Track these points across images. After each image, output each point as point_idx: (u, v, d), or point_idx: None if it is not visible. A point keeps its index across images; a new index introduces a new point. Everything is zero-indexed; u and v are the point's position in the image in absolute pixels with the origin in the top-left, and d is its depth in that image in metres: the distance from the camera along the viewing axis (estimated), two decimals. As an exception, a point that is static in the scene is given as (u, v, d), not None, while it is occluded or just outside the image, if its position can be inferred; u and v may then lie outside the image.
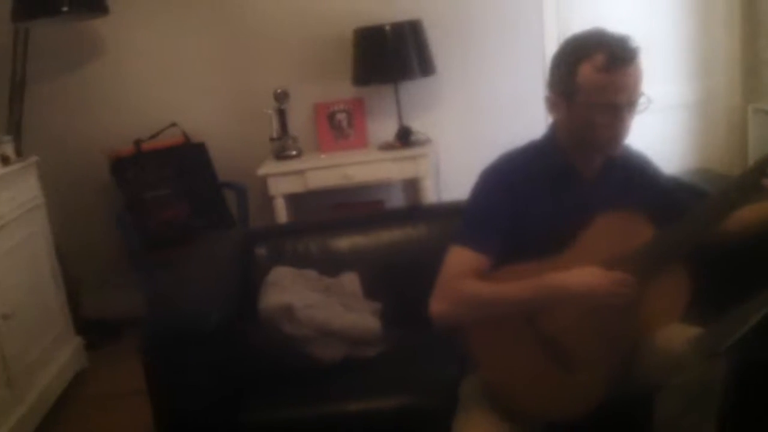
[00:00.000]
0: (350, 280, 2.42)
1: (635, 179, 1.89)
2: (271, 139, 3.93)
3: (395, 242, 2.57)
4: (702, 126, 4.10)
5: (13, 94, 3.60)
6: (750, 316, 1.48)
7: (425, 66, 3.76)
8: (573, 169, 1.84)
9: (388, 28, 3.67)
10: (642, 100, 1.73)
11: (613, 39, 1.70)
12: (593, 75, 1.68)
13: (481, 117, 4.02)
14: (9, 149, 3.10)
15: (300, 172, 3.73)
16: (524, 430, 1.71)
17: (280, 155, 3.88)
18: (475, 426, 1.70)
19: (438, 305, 1.74)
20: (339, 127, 3.99)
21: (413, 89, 3.94)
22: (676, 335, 1.68)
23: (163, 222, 3.72)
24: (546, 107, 1.84)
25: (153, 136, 3.86)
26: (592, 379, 1.75)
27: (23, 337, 2.92)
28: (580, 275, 1.70)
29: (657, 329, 1.74)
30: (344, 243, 2.59)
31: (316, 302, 2.24)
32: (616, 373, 1.76)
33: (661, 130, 3.92)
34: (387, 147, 3.84)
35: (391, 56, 3.68)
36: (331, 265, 2.49)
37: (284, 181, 3.73)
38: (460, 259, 1.77)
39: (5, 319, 2.76)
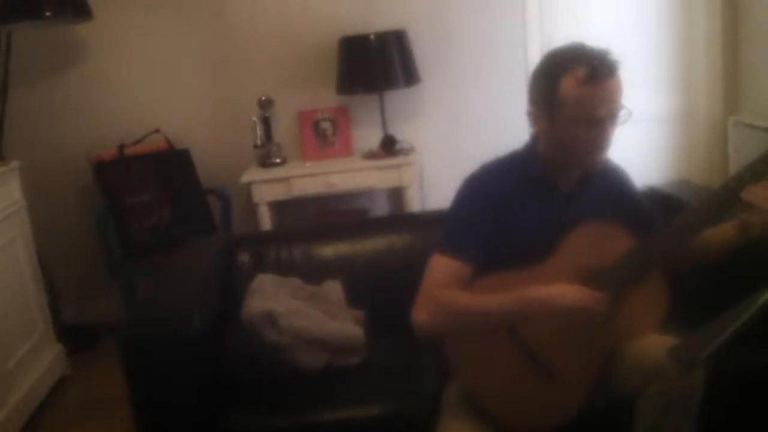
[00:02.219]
0: (333, 288, 2.42)
1: (612, 193, 1.91)
2: (255, 147, 3.94)
3: (379, 250, 2.57)
4: (683, 139, 4.15)
5: (-5, 98, 3.58)
6: (728, 326, 1.50)
7: (410, 75, 3.78)
8: (551, 181, 1.85)
9: (373, 37, 3.69)
10: (623, 113, 1.74)
11: (594, 52, 1.71)
12: (575, 89, 1.70)
13: (465, 126, 4.04)
14: (-10, 153, 3.09)
15: (284, 180, 3.73)
16: (506, 439, 1.73)
17: (265, 162, 3.89)
18: (458, 433, 1.71)
19: (420, 314, 1.75)
20: (323, 135, 4.00)
21: (397, 98, 3.96)
22: (655, 345, 1.70)
23: (145, 228, 3.71)
24: (528, 120, 1.85)
25: (136, 142, 3.85)
26: (570, 389, 1.76)
27: (4, 343, 2.90)
28: (561, 291, 1.72)
29: (635, 339, 1.76)
30: (328, 251, 2.59)
31: (298, 309, 2.23)
32: (595, 382, 1.78)
33: (642, 143, 3.95)
34: (371, 156, 3.85)
35: (375, 65, 3.70)
36: (314, 273, 2.49)
37: (268, 188, 3.74)
38: (442, 267, 1.78)
39: (-15, 325, 2.75)
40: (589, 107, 1.70)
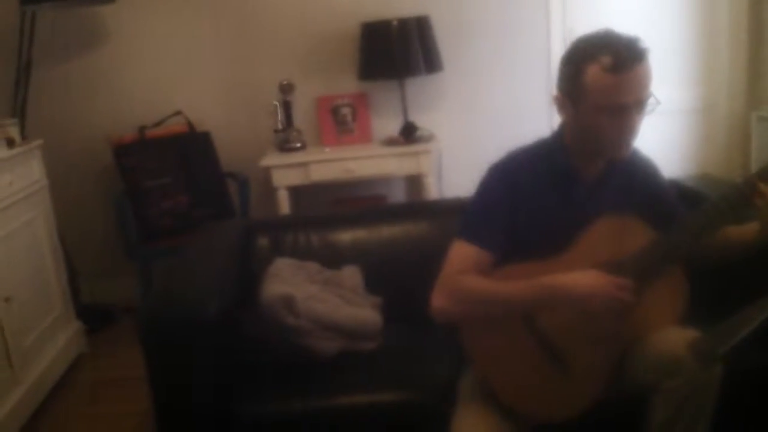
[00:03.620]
0: (352, 274, 2.43)
1: (637, 183, 1.89)
2: (276, 131, 3.95)
3: (396, 238, 2.58)
4: (705, 132, 4.12)
5: (19, 78, 3.60)
6: (749, 321, 1.49)
7: (431, 62, 3.76)
8: (573, 171, 1.84)
9: (395, 23, 3.67)
10: (650, 102, 1.72)
11: (621, 40, 1.68)
12: (600, 76, 1.67)
13: (485, 115, 4.03)
14: (14, 132, 3.11)
15: (303, 165, 3.74)
16: (520, 427, 1.73)
17: (284, 147, 3.90)
18: (473, 422, 1.72)
19: (438, 300, 1.75)
20: (343, 121, 4.00)
21: (418, 85, 3.95)
22: (674, 338, 1.69)
23: (164, 211, 3.73)
24: (555, 107, 1.84)
25: (157, 124, 3.87)
26: (587, 381, 1.76)
27: (24, 320, 2.93)
28: (582, 278, 1.70)
29: (654, 332, 1.75)
30: (346, 236, 2.60)
31: (316, 294, 2.25)
32: (611, 375, 1.78)
33: (664, 135, 3.93)
34: (390, 142, 3.85)
35: (397, 52, 3.69)
36: (332, 259, 2.50)
37: (287, 173, 3.74)
38: (462, 253, 1.78)
39: (6, 302, 2.77)
40: (613, 96, 1.68)
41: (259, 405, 2.04)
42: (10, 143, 3.04)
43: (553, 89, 1.84)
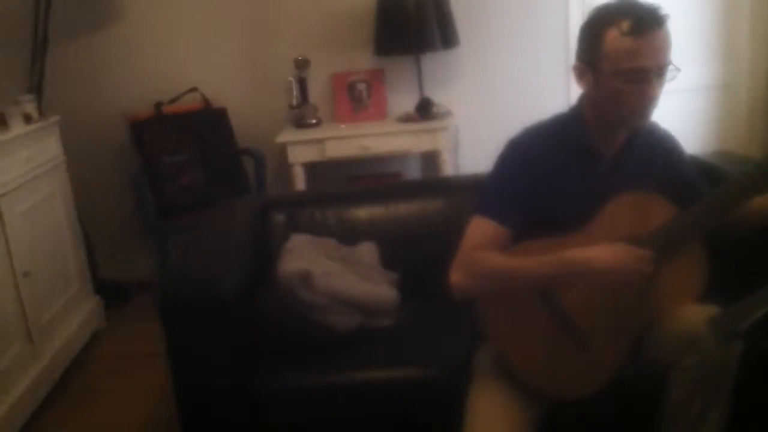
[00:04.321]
0: (368, 250, 2.43)
1: (657, 159, 1.87)
2: (291, 107, 3.94)
3: (413, 214, 2.58)
4: (725, 109, 4.07)
5: (35, 54, 3.60)
6: (768, 298, 1.48)
7: (447, 38, 3.73)
8: (593, 146, 1.82)
9: (411, -2, 3.64)
10: (670, 69, 1.70)
11: (641, 6, 1.68)
12: (619, 40, 1.66)
13: (502, 91, 4.00)
14: (31, 108, 3.12)
15: (319, 141, 3.73)
16: (537, 404, 1.73)
17: (300, 123, 3.89)
18: (489, 398, 1.72)
19: (456, 276, 1.74)
20: (358, 97, 3.98)
21: (434, 61, 3.92)
22: (693, 315, 1.68)
23: (180, 188, 3.74)
24: (574, 77, 1.82)
25: (173, 100, 3.87)
26: (605, 357, 1.76)
27: (42, 295, 2.97)
28: (601, 251, 1.68)
29: (673, 308, 1.74)
30: (362, 213, 2.60)
31: (333, 270, 2.25)
32: (630, 351, 1.77)
33: (684, 112, 3.89)
34: (406, 119, 3.82)
35: (413, 27, 3.64)
36: (348, 235, 2.51)
37: (303, 149, 3.74)
38: (480, 229, 1.76)
39: (25, 277, 2.80)
40: (633, 59, 1.66)
41: (276, 380, 2.05)
42: (28, 119, 3.06)
43: (572, 61, 1.82)
